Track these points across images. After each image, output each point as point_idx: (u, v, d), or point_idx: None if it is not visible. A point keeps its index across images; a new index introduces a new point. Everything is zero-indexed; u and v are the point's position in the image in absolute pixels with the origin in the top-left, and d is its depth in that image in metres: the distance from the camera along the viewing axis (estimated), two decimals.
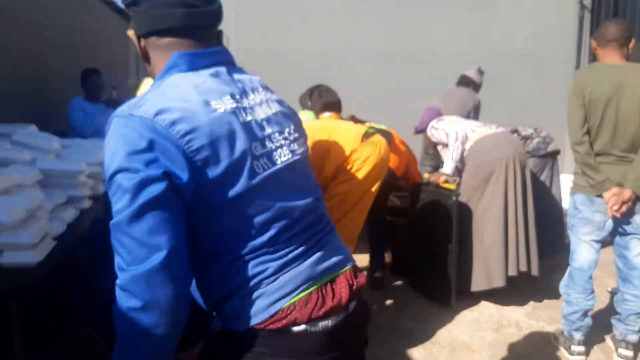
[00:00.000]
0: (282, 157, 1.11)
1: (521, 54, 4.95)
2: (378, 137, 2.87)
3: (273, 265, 1.06)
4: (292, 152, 1.15)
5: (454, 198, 3.17)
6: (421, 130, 3.64)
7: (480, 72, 4.28)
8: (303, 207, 1.13)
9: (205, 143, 0.99)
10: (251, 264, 1.05)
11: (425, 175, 3.59)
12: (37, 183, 2.12)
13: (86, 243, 2.62)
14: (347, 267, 1.18)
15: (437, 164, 3.83)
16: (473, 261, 3.23)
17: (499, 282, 3.15)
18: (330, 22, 4.52)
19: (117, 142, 0.97)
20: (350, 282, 1.16)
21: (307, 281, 1.08)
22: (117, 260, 0.99)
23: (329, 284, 1.12)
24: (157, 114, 0.98)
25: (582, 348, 2.69)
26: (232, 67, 1.16)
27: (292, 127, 1.19)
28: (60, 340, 2.59)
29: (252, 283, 1.05)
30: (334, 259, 1.16)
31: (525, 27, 4.98)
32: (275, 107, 1.17)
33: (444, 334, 2.97)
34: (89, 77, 4.26)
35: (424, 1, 4.72)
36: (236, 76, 1.14)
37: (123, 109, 1.02)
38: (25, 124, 2.77)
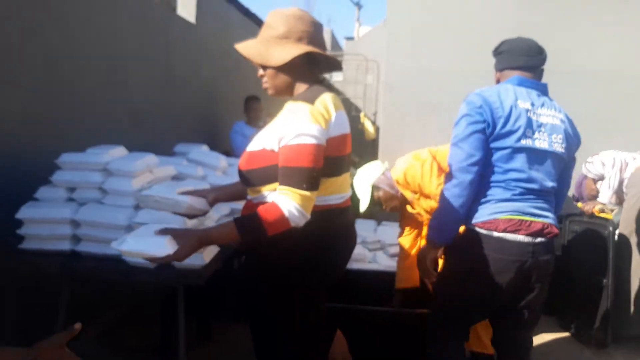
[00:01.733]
0: (541, 143, 1.88)
1: None
2: None
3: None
4: (550, 144, 1.90)
5: (610, 228, 2.90)
6: (580, 198, 3.43)
7: None
8: (540, 182, 1.89)
9: (503, 114, 1.85)
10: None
11: (578, 205, 3.33)
12: None
13: (240, 253, 2.95)
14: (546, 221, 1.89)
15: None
16: (632, 301, 2.90)
17: None
18: (478, 40, 4.43)
19: (465, 104, 1.91)
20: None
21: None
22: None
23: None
24: (485, 94, 1.90)
25: None
26: (543, 93, 1.99)
27: (561, 135, 1.93)
28: (210, 337, 2.93)
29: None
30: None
31: None
32: (557, 122, 1.94)
33: None
34: (251, 103, 4.75)
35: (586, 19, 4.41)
36: (541, 97, 1.97)
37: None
38: (198, 143, 3.20)
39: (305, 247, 1.62)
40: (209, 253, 2.12)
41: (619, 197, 3.10)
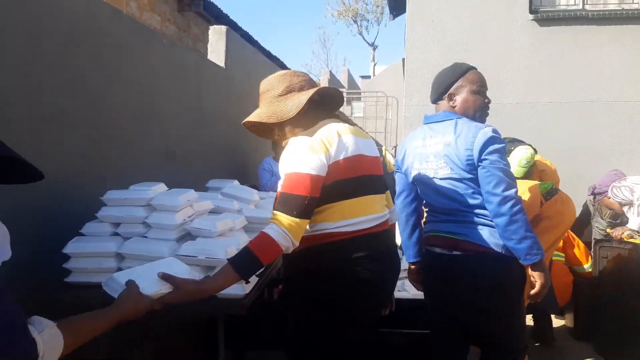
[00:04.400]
0: (427, 172, 2.09)
1: None
2: (564, 194, 2.79)
3: None
4: (436, 171, 2.06)
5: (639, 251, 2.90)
6: (598, 193, 3.41)
7: None
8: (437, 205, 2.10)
9: (401, 156, 2.26)
10: None
11: (607, 230, 3.33)
12: (243, 228, 2.56)
13: (278, 282, 2.99)
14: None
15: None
16: None
17: None
18: (491, 77, 4.54)
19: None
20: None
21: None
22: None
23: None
24: None
25: None
26: (439, 120, 2.12)
27: (442, 160, 2.03)
28: None
29: None
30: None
31: None
32: (440, 147, 2.05)
33: None
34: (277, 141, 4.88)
35: (600, 49, 4.49)
36: (432, 127, 2.13)
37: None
38: (229, 179, 3.31)
39: (328, 280, 1.70)
40: (250, 283, 2.18)
41: None
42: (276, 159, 4.89)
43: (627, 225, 3.17)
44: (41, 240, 2.33)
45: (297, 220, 1.61)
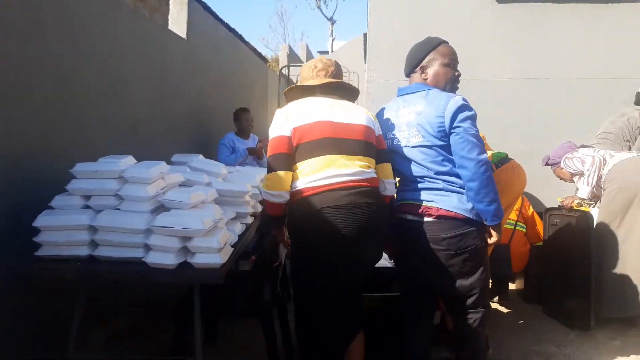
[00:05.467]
0: (400, 141, 2.25)
1: None
2: (515, 163, 2.96)
3: None
4: (408, 140, 2.20)
5: (588, 219, 3.13)
6: (552, 164, 3.61)
7: None
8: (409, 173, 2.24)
9: (382, 127, 2.32)
10: None
11: (558, 199, 3.55)
12: (213, 201, 2.58)
13: (247, 255, 3.05)
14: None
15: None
16: (613, 287, 3.12)
17: None
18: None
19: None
20: None
21: None
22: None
23: None
24: None
25: None
26: (411, 92, 2.26)
27: (415, 128, 2.18)
28: (216, 337, 3.03)
29: None
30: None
31: None
32: (412, 117, 2.20)
33: (585, 359, 2.91)
34: (240, 114, 4.87)
35: (557, 27, 4.68)
36: (405, 99, 2.26)
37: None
38: (194, 154, 3.30)
39: (296, 227, 2.15)
40: (226, 253, 2.23)
41: (596, 192, 3.32)
42: (239, 133, 4.88)
43: (577, 194, 3.40)
44: (9, 214, 2.29)
45: (272, 174, 2.09)
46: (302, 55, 15.81)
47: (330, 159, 2.07)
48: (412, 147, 2.17)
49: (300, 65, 13.46)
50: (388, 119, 2.30)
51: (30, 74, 2.49)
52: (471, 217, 2.08)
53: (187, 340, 2.60)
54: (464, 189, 2.09)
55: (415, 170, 2.17)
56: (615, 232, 3.14)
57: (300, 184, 2.09)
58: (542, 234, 3.64)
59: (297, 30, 56.81)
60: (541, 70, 4.47)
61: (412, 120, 2.18)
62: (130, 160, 2.46)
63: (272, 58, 18.14)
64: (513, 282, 4.08)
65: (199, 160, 3.09)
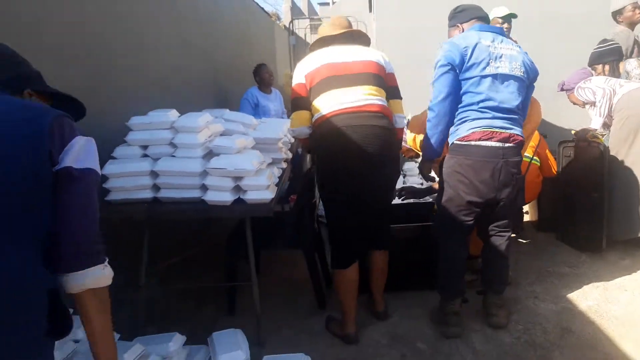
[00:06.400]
0: (503, 69, 2.41)
1: None
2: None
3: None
4: (511, 69, 2.43)
5: (602, 148, 3.35)
6: (567, 89, 3.79)
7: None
8: (505, 102, 2.42)
9: (468, 52, 2.37)
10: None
11: (572, 132, 3.75)
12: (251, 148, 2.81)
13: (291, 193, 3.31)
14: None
15: None
16: (623, 211, 3.37)
17: None
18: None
19: (441, 51, 2.41)
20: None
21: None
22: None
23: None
24: (454, 40, 2.47)
25: None
26: (500, 34, 2.51)
27: (519, 62, 2.47)
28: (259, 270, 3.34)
29: None
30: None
31: None
32: (515, 53, 2.49)
33: (595, 276, 3.19)
34: (260, 69, 4.99)
35: None
36: (499, 36, 2.47)
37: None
38: (219, 109, 3.47)
39: (318, 145, 2.55)
40: (272, 190, 2.48)
41: (608, 122, 3.52)
42: (260, 88, 5.00)
43: (590, 125, 3.60)
44: None
45: (294, 114, 2.56)
46: (303, 7, 15.67)
47: (337, 91, 2.44)
48: (515, 77, 2.42)
49: (305, 18, 13.29)
50: (487, 47, 2.40)
51: (66, 38, 2.63)
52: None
53: (237, 270, 2.92)
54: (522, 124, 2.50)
55: (508, 98, 2.40)
56: (624, 159, 3.36)
57: (316, 117, 2.49)
58: (555, 169, 3.85)
59: None
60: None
61: (516, 56, 2.46)
62: (174, 113, 2.68)
63: (271, 13, 17.90)
64: (526, 213, 4.33)
65: (230, 113, 3.30)
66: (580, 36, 4.48)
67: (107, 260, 1.25)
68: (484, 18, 2.61)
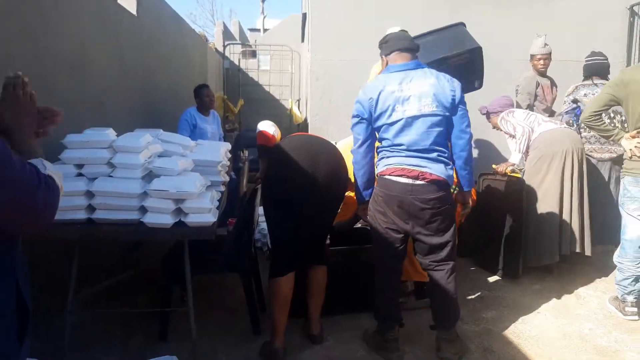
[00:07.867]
0: (410, 112, 2.46)
1: (574, 60, 5.23)
2: None
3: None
4: (419, 109, 2.46)
5: (520, 182, 3.70)
6: (491, 112, 4.11)
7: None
8: (414, 143, 2.49)
9: (374, 103, 2.49)
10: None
11: (493, 166, 4.07)
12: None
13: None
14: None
15: None
16: (534, 240, 3.70)
17: (554, 258, 3.64)
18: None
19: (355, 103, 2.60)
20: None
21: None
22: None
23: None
24: (363, 92, 2.58)
25: (634, 309, 3.12)
26: (415, 68, 2.53)
27: (429, 98, 2.45)
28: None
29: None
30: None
31: (576, 34, 5.30)
32: (425, 88, 2.46)
33: (512, 299, 3.46)
34: (202, 90, 4.93)
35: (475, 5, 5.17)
36: (410, 74, 2.50)
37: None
38: (153, 128, 3.41)
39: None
40: (214, 213, 2.48)
41: (524, 157, 3.87)
42: (200, 110, 4.92)
43: (509, 160, 3.93)
44: None
45: None
46: (234, 32, 15.74)
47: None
48: (425, 115, 2.45)
49: (238, 44, 13.23)
50: (392, 93, 2.49)
51: (10, 50, 2.54)
52: (449, 181, 2.51)
53: (173, 294, 2.85)
54: (447, 159, 2.50)
55: (416, 140, 2.45)
56: (536, 193, 3.70)
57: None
58: (475, 198, 4.14)
59: (226, 7, 55.42)
60: None
61: (427, 91, 2.45)
62: (111, 132, 2.62)
63: (200, 33, 17.81)
64: None
65: (165, 134, 3.25)
66: (501, 72, 4.90)
67: None
68: (406, 49, 2.59)
